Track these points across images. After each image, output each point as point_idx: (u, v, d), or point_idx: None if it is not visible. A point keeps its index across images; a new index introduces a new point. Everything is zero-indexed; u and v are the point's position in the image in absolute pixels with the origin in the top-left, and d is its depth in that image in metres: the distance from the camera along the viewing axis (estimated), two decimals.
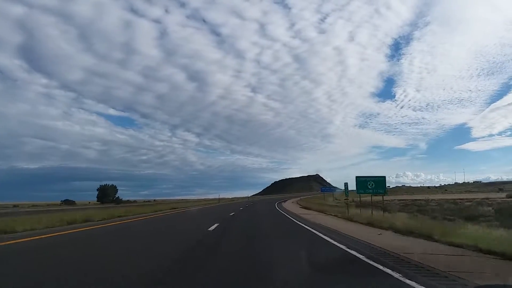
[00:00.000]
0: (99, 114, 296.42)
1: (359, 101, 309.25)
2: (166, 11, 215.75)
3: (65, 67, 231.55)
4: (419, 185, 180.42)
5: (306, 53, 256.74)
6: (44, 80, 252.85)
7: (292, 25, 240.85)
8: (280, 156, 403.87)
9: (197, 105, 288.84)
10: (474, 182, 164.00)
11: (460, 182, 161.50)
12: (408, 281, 4.49)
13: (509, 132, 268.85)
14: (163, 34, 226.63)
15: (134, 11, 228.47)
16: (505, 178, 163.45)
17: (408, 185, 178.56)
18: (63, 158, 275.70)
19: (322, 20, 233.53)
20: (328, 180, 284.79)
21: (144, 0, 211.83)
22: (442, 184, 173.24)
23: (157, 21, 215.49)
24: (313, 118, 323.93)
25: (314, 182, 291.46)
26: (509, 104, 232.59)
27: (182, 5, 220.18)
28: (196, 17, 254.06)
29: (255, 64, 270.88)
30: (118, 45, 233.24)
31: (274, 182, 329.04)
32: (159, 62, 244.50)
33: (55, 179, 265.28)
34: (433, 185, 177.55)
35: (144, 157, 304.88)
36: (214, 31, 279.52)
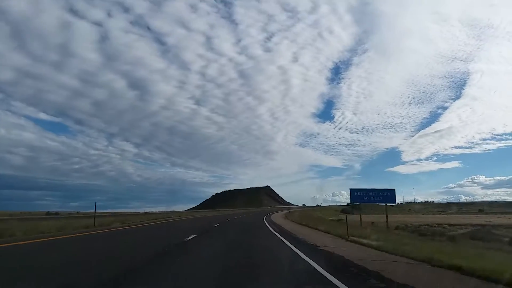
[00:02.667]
0: (28, 117, 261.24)
1: (300, 120, 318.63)
2: (109, 14, 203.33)
3: None
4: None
5: (251, 69, 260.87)
6: None
7: (239, 41, 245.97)
8: (221, 171, 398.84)
9: (137, 114, 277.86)
10: (424, 202, 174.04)
11: (404, 202, 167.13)
12: None
13: (435, 158, 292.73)
14: (104, 38, 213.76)
15: (73, 11, 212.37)
16: (430, 199, 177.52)
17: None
18: None
19: (268, 39, 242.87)
20: (279, 193, 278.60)
21: (85, 1, 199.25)
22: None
23: (98, 24, 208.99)
24: (256, 134, 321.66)
25: (265, 196, 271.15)
26: (436, 132, 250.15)
27: (126, 10, 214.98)
28: (141, 24, 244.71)
29: (200, 76, 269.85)
30: (54, 46, 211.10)
31: (216, 194, 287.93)
32: (99, 67, 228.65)
33: None
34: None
35: (76, 166, 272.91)
36: (159, 40, 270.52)
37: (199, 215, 57.51)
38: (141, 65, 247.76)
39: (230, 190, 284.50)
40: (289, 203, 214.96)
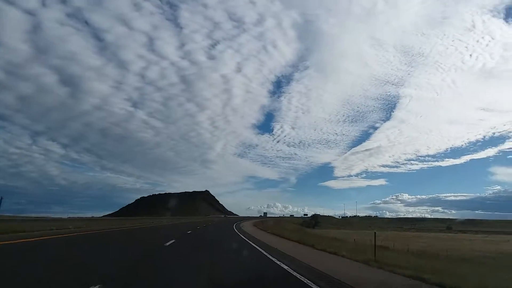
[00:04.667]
0: None
1: (240, 130, 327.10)
2: (43, 4, 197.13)
3: None
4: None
5: (194, 76, 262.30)
6: None
7: (182, 45, 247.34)
8: (155, 177, 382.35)
9: (68, 113, 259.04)
10: (365, 216, 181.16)
11: (348, 216, 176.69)
12: None
13: (364, 175, 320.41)
14: (36, 28, 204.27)
15: None
16: (360, 214, 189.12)
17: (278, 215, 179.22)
18: None
19: (213, 46, 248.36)
20: (220, 200, 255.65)
21: None
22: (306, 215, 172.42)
23: (30, 13, 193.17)
24: (194, 142, 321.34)
25: (203, 202, 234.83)
26: (366, 150, 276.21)
27: (63, 1, 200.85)
28: (78, 17, 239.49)
29: (139, 78, 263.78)
30: None
31: (141, 198, 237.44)
32: (27, 59, 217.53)
33: None
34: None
35: None
36: (97, 36, 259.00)
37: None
38: (75, 61, 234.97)
39: (159, 194, 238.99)
40: (231, 213, 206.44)
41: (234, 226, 37.37)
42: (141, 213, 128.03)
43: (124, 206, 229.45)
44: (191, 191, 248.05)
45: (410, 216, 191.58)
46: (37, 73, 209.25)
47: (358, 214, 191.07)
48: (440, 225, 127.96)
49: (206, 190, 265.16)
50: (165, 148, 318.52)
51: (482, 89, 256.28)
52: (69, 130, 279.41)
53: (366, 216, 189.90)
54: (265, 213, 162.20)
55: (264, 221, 63.89)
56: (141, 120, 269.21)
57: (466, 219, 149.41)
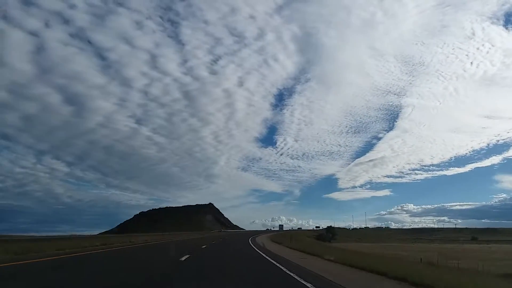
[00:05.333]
0: None
1: (243, 144, 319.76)
2: (46, 25, 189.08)
3: None
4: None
5: (196, 91, 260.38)
6: None
7: (185, 61, 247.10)
8: (160, 193, 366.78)
9: (72, 131, 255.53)
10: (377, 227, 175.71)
11: (358, 228, 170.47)
12: None
13: (368, 186, 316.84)
14: (39, 49, 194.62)
15: (7, 19, 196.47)
16: (363, 225, 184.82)
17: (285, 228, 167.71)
18: None
19: (215, 61, 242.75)
20: (225, 214, 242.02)
21: (21, 9, 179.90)
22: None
23: (34, 34, 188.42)
24: (198, 157, 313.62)
25: (207, 216, 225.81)
26: (370, 161, 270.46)
27: (66, 21, 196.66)
28: (81, 37, 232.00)
29: (142, 95, 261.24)
30: None
31: (141, 213, 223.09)
32: (31, 79, 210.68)
33: None
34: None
35: None
36: (100, 55, 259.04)
37: None
38: (79, 80, 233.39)
39: (160, 208, 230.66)
40: (237, 226, 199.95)
41: (255, 245, 27.39)
42: (141, 229, 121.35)
43: (122, 222, 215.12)
44: (194, 204, 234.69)
45: (416, 226, 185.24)
46: (41, 93, 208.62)
47: (367, 226, 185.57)
48: (458, 235, 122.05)
49: (210, 203, 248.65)
50: (170, 163, 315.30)
51: (484, 96, 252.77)
52: (73, 148, 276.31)
53: (376, 227, 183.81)
54: (280, 226, 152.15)
55: (283, 235, 58.46)
56: (145, 136, 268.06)
57: (478, 228, 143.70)
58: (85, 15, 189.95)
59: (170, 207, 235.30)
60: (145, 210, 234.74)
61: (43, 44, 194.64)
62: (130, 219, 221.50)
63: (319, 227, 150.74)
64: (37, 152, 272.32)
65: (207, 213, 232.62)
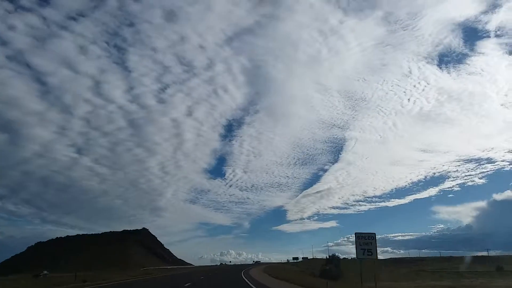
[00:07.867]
0: None
1: (192, 175, 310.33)
2: None
3: None
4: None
5: (143, 120, 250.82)
6: None
7: (131, 88, 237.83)
8: (101, 228, 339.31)
9: (5, 161, 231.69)
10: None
11: (310, 258, 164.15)
12: None
13: (316, 217, 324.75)
14: None
15: None
16: (310, 256, 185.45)
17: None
18: None
19: (163, 90, 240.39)
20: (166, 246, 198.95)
21: None
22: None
23: None
24: (143, 189, 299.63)
25: (136, 246, 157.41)
26: (317, 192, 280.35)
27: (4, 43, 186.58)
28: (19, 60, 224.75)
29: (84, 122, 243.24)
30: None
31: (38, 243, 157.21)
32: None
33: None
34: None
35: None
36: (39, 79, 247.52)
37: None
38: (15, 106, 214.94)
39: (68, 237, 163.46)
40: (183, 261, 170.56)
41: None
42: (34, 266, 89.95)
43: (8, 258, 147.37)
44: (119, 231, 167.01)
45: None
46: None
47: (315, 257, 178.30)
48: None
49: (144, 228, 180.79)
50: (112, 196, 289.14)
51: (421, 131, 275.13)
52: (6, 179, 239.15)
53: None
54: (257, 262, 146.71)
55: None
56: (86, 167, 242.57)
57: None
58: (24, 37, 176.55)
59: (84, 234, 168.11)
60: (44, 240, 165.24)
61: None
62: (21, 252, 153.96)
63: (297, 258, 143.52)
64: None
65: (138, 242, 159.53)
